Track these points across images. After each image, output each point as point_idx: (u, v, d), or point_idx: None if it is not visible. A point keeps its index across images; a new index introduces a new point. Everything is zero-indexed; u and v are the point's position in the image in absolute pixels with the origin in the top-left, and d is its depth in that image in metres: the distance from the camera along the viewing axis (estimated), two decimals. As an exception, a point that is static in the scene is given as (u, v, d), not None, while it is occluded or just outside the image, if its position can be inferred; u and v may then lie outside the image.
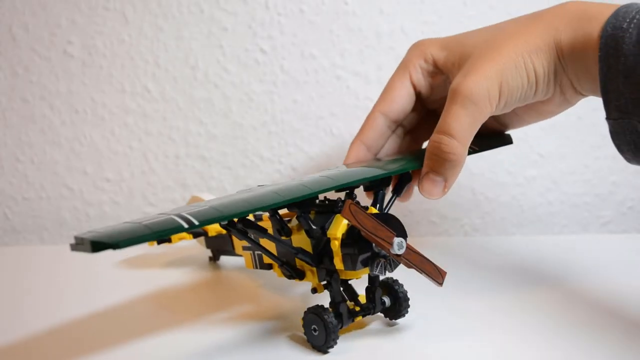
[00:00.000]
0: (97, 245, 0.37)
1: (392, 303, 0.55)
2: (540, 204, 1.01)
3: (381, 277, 0.55)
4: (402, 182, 0.60)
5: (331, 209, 0.53)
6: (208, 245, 0.79)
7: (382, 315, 0.57)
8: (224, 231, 0.71)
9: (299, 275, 0.54)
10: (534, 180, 1.01)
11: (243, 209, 0.44)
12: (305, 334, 0.51)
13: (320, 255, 0.52)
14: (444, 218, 1.01)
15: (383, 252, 0.48)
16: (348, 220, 0.46)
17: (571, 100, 0.59)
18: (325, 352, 0.50)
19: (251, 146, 1.02)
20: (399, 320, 0.56)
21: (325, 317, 0.49)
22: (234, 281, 0.75)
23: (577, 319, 0.57)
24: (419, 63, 0.63)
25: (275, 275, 0.57)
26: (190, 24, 1.01)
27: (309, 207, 0.52)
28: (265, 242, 0.56)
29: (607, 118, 0.52)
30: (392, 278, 0.56)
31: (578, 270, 0.74)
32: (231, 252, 0.72)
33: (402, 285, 0.56)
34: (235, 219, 0.50)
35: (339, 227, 0.50)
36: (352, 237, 0.49)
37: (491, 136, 0.65)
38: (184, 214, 0.42)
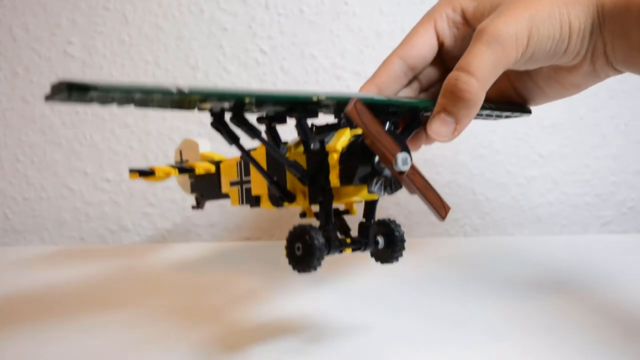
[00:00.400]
0: (74, 87, 0.32)
1: (386, 244, 0.50)
2: (540, 204, 1.01)
3: (380, 199, 0.50)
4: (410, 126, 0.54)
5: (333, 127, 0.49)
6: (193, 190, 0.76)
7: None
8: (212, 168, 0.69)
9: (289, 197, 0.50)
10: (534, 180, 1.01)
11: (239, 92, 0.41)
12: (287, 255, 0.46)
13: (315, 173, 0.47)
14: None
15: (385, 171, 0.44)
16: (352, 117, 0.41)
17: (600, 72, 0.54)
18: (305, 271, 0.45)
19: (251, 146, 1.02)
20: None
21: (313, 233, 0.44)
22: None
23: (577, 319, 0.57)
24: (445, 12, 0.58)
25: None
26: (190, 24, 1.01)
27: (308, 112, 0.47)
28: (257, 155, 0.54)
29: None
30: (389, 218, 0.52)
31: (578, 271, 0.74)
32: (217, 193, 0.69)
33: (399, 226, 0.51)
34: (228, 112, 0.45)
35: (339, 139, 0.46)
36: (353, 152, 0.45)
37: (508, 103, 0.60)
38: (181, 85, 0.39)
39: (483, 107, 0.53)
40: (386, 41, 1.00)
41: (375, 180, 0.44)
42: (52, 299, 0.69)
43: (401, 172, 0.42)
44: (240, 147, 0.49)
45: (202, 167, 0.71)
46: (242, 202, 0.59)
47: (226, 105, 0.43)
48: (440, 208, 0.44)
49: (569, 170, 1.00)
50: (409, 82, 0.60)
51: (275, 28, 1.00)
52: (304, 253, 0.45)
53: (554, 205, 1.01)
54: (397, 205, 0.99)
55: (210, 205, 1.02)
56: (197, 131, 1.02)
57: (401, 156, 0.41)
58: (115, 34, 1.01)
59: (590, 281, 0.69)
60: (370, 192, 0.46)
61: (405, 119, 0.54)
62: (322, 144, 0.47)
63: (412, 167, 0.42)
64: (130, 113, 1.02)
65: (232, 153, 0.59)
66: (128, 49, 1.01)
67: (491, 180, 1.00)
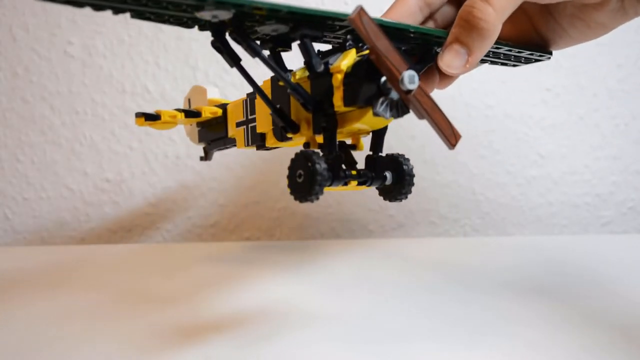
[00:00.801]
0: None
1: (394, 180, 0.48)
2: (540, 205, 1.01)
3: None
4: (423, 60, 0.51)
5: (338, 49, 0.46)
6: (200, 139, 0.75)
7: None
8: (219, 112, 0.68)
9: (293, 127, 0.47)
10: (534, 181, 1.01)
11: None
12: (288, 184, 0.43)
13: (320, 98, 0.45)
14: (444, 218, 1.01)
15: (392, 93, 0.41)
16: (355, 28, 0.38)
17: (629, 9, 0.49)
18: (306, 200, 0.43)
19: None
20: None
21: (315, 159, 0.42)
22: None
23: (578, 319, 0.57)
24: None
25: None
26: (190, 24, 1.01)
27: (312, 30, 0.44)
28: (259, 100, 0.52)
29: None
30: (398, 152, 0.48)
31: (578, 271, 0.74)
32: (224, 139, 0.67)
33: (408, 160, 0.48)
34: (229, 28, 0.43)
35: (343, 60, 0.43)
36: (358, 70, 0.42)
37: (529, 45, 0.56)
38: None
39: (499, 43, 0.49)
40: (386, 41, 1.00)
41: (381, 101, 0.41)
42: (52, 299, 0.69)
43: (408, 91, 0.39)
44: (242, 69, 0.46)
45: (208, 110, 0.68)
46: (248, 143, 0.57)
47: (226, 16, 0.40)
48: (450, 135, 0.40)
49: (569, 170, 1.00)
50: (424, 21, 0.57)
51: (275, 28, 1.00)
52: (305, 179, 0.42)
53: (554, 205, 1.01)
54: (397, 205, 0.99)
55: (210, 205, 1.02)
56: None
57: (408, 73, 0.38)
58: (115, 34, 1.01)
59: (590, 281, 0.69)
60: (375, 113, 0.42)
61: (417, 54, 0.51)
62: (327, 65, 0.45)
63: (420, 87, 0.39)
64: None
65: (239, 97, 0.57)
66: (128, 49, 1.01)
67: (491, 180, 1.00)
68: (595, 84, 0.99)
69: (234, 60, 0.45)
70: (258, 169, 1.02)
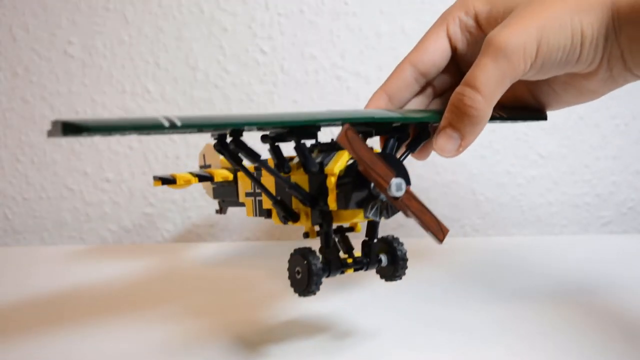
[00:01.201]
0: (67, 127, 0.34)
1: (389, 262, 0.51)
2: (540, 205, 1.01)
3: (380, 222, 0.50)
4: (419, 137, 0.54)
5: (334, 147, 0.49)
6: (215, 195, 0.78)
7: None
8: (230, 176, 0.70)
9: (293, 217, 0.50)
10: (534, 181, 1.01)
11: (233, 120, 0.41)
12: (289, 277, 0.47)
13: (316, 195, 0.47)
14: (444, 218, 1.01)
15: (381, 195, 0.44)
16: (343, 145, 0.41)
17: (618, 78, 0.52)
18: (305, 296, 0.46)
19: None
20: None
21: (310, 258, 0.45)
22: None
23: (578, 319, 0.57)
24: (459, 15, 0.56)
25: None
26: (190, 25, 1.01)
27: (304, 135, 0.47)
28: (265, 180, 0.54)
29: None
30: (392, 235, 0.51)
31: (578, 271, 0.74)
32: (236, 201, 0.70)
33: (402, 244, 0.50)
34: (230, 137, 0.46)
35: (337, 163, 0.46)
36: (350, 175, 0.45)
37: (523, 109, 0.59)
38: (171, 115, 0.39)
39: (494, 117, 0.52)
40: (386, 41, 1.00)
41: (371, 206, 0.44)
42: (52, 300, 0.69)
43: (396, 198, 0.42)
44: (244, 169, 0.49)
45: (220, 175, 0.72)
46: (256, 214, 0.60)
47: (223, 131, 0.44)
48: (437, 231, 0.43)
49: (569, 170, 1.00)
50: (423, 88, 0.59)
51: (275, 28, 1.00)
52: (302, 277, 0.46)
53: (554, 205, 1.01)
54: (397, 206, 0.99)
55: (210, 205, 1.02)
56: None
57: (395, 182, 0.41)
58: (116, 34, 1.01)
59: (590, 281, 0.69)
60: (366, 217, 0.46)
61: (415, 129, 0.54)
62: (322, 165, 0.47)
63: (407, 192, 0.42)
64: (131, 113, 1.02)
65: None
66: (128, 49, 1.01)
67: (491, 180, 1.00)
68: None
69: (236, 161, 0.48)
70: (258, 169, 1.02)
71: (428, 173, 1.00)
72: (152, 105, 1.02)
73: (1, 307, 0.67)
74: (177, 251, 0.93)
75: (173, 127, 0.38)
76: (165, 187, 0.96)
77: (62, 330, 0.58)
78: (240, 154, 0.47)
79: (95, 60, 1.02)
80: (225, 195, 0.74)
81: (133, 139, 1.03)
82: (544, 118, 0.59)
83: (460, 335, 0.54)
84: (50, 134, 0.35)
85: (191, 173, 0.75)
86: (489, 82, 0.47)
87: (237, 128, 0.44)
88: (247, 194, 0.62)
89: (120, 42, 1.02)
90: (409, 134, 0.52)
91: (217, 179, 0.72)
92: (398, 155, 0.52)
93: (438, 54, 0.57)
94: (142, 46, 1.01)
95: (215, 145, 0.47)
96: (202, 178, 0.74)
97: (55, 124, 0.35)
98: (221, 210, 0.78)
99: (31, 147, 1.04)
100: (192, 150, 1.02)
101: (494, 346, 0.51)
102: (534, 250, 0.87)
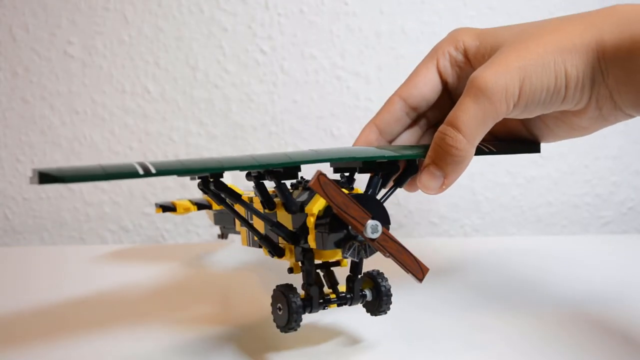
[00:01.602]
0: (44, 177, 0.36)
1: (373, 297, 0.51)
2: (540, 205, 1.01)
3: (363, 260, 0.50)
4: (406, 172, 0.55)
5: None
6: (216, 222, 0.79)
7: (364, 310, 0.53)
8: None
9: (278, 252, 0.51)
10: (534, 181, 1.01)
11: (209, 165, 0.42)
12: (272, 312, 0.48)
13: (299, 233, 0.48)
14: (444, 219, 1.01)
15: (359, 236, 0.44)
16: (316, 191, 0.42)
17: (608, 117, 0.51)
18: (285, 332, 0.47)
19: (251, 146, 1.02)
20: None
21: (290, 296, 0.46)
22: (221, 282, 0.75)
23: (578, 319, 0.57)
24: (448, 50, 0.56)
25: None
26: (190, 25, 1.01)
27: (285, 177, 0.48)
28: (256, 205, 0.54)
29: None
30: (377, 270, 0.52)
31: (578, 271, 0.74)
32: (233, 229, 0.71)
33: (386, 279, 0.51)
34: (210, 179, 0.47)
35: (316, 203, 0.46)
36: (328, 215, 0.45)
37: (516, 141, 0.59)
38: (146, 162, 0.40)
39: (484, 152, 0.53)
40: (386, 41, 1.00)
41: (348, 246, 0.45)
42: (52, 300, 0.69)
43: (372, 240, 0.43)
44: (230, 208, 0.50)
45: (217, 205, 0.72)
46: (249, 244, 0.61)
47: (205, 174, 0.45)
48: (416, 271, 0.44)
49: (568, 171, 1.00)
50: (416, 120, 0.59)
51: (275, 28, 1.00)
52: (283, 314, 0.47)
53: (553, 205, 1.01)
54: (397, 205, 0.99)
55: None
56: (197, 131, 1.02)
57: (370, 224, 0.42)
58: (115, 34, 1.02)
59: (590, 282, 0.69)
60: (344, 257, 0.47)
61: (404, 163, 0.54)
62: (302, 205, 0.48)
63: (384, 233, 0.43)
64: (131, 113, 1.02)
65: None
66: (128, 49, 1.01)
67: (491, 180, 1.00)
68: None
69: (220, 200, 0.49)
70: (258, 169, 1.02)
71: (428, 173, 1.00)
72: (152, 105, 1.02)
73: (1, 307, 0.67)
74: (177, 251, 0.93)
75: (147, 175, 0.38)
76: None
77: (62, 331, 0.58)
78: (223, 195, 0.48)
79: (95, 60, 1.02)
80: (225, 223, 0.76)
81: (133, 138, 1.03)
82: (537, 151, 0.59)
83: (459, 334, 0.54)
84: (31, 181, 0.37)
85: (190, 201, 0.78)
86: (470, 122, 0.47)
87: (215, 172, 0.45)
88: (242, 224, 0.63)
89: (120, 42, 1.02)
90: (399, 167, 0.53)
91: (215, 207, 0.74)
92: (387, 189, 0.53)
93: (428, 88, 0.57)
94: (142, 46, 1.01)
95: (198, 185, 0.48)
96: (201, 206, 0.76)
97: (34, 173, 0.36)
98: (223, 236, 0.81)
99: (31, 147, 1.04)
100: (191, 150, 1.02)
101: (493, 345, 0.51)
102: (534, 251, 0.87)
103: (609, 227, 1.01)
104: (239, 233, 0.68)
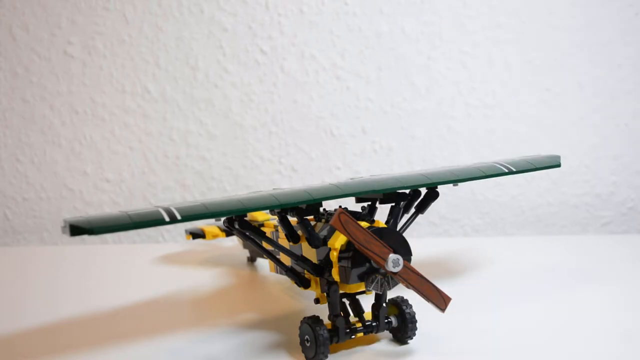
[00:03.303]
0: (75, 229, 0.38)
1: (399, 323, 0.51)
2: (540, 205, 1.01)
3: (388, 293, 0.51)
4: (427, 199, 0.56)
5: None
6: (245, 246, 0.80)
7: (389, 334, 0.53)
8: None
9: (304, 283, 0.52)
10: (534, 181, 1.01)
11: (232, 207, 0.43)
12: (300, 343, 0.50)
13: (323, 265, 0.49)
14: (444, 219, 1.01)
15: (381, 269, 0.46)
16: (338, 230, 0.44)
17: None
18: None
19: (251, 147, 1.02)
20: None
21: (317, 328, 0.47)
22: (260, 285, 0.75)
23: (578, 319, 0.57)
24: None
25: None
26: (190, 25, 1.01)
27: (308, 213, 0.50)
28: (282, 236, 0.55)
29: None
30: (401, 297, 0.52)
31: (578, 272, 0.74)
32: (260, 254, 0.72)
33: (410, 306, 0.51)
34: (235, 220, 0.48)
35: (338, 237, 0.47)
36: (350, 249, 0.46)
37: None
38: (171, 207, 0.42)
39: (504, 173, 0.55)
40: (386, 41, 1.00)
41: (371, 279, 0.46)
42: (52, 299, 0.69)
43: (394, 273, 0.44)
44: (255, 244, 0.52)
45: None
46: (277, 272, 0.61)
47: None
48: (439, 301, 0.46)
49: (568, 171, 1.00)
50: None
51: (275, 28, 1.00)
52: (311, 346, 0.48)
53: (553, 205, 1.01)
54: (397, 206, 0.99)
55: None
56: (197, 131, 1.02)
57: (391, 259, 0.44)
58: (116, 34, 1.01)
59: (590, 282, 0.69)
60: (367, 289, 0.48)
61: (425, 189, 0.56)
62: (325, 239, 0.49)
63: (406, 266, 0.45)
64: (131, 113, 1.02)
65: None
66: (128, 50, 1.01)
67: (491, 180, 1.00)
68: (595, 84, 0.99)
69: (245, 237, 0.50)
70: (258, 169, 1.03)
71: (428, 173, 1.00)
72: (152, 105, 1.02)
73: (0, 307, 0.67)
74: (178, 251, 0.93)
75: (173, 221, 0.41)
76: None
77: (62, 331, 0.58)
78: (247, 233, 0.50)
79: (95, 60, 1.02)
80: (253, 247, 0.76)
81: (133, 138, 1.03)
82: (558, 165, 0.63)
83: (459, 335, 0.54)
84: (63, 231, 0.39)
85: (219, 227, 0.80)
86: None
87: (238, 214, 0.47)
88: (268, 257, 0.64)
89: (121, 42, 1.02)
90: (420, 193, 0.54)
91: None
92: (408, 215, 0.55)
93: None
94: (142, 46, 1.01)
95: (223, 222, 0.50)
96: (229, 233, 0.77)
97: (64, 225, 0.38)
98: (252, 259, 0.82)
99: (31, 147, 1.04)
100: (192, 151, 1.02)
101: (493, 346, 0.51)
102: (533, 251, 0.87)
103: (608, 227, 1.01)
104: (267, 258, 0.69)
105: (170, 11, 1.01)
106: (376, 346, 0.52)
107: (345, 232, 0.44)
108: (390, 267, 0.44)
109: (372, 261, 0.46)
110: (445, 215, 1.01)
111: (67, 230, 0.38)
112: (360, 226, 0.44)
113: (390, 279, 0.46)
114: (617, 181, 1.00)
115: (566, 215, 1.01)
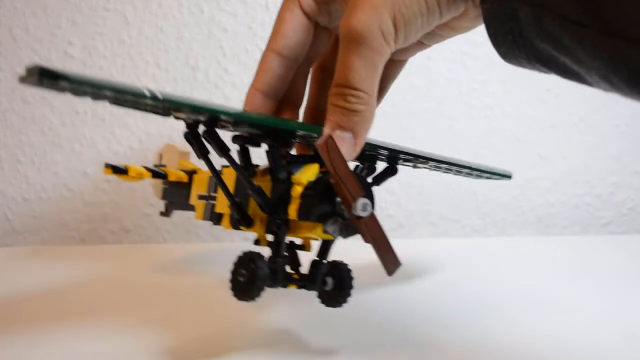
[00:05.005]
0: (45, 72, 0.32)
1: (334, 287, 0.49)
2: (540, 205, 1.01)
3: (335, 240, 0.49)
4: (385, 173, 0.55)
5: (304, 159, 0.49)
6: (163, 196, 0.77)
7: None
8: (185, 178, 0.70)
9: (247, 222, 0.49)
10: (534, 181, 1.01)
11: (214, 107, 0.41)
12: (230, 280, 0.45)
13: (277, 203, 0.47)
14: (444, 219, 1.01)
15: (344, 213, 0.43)
16: (321, 153, 0.41)
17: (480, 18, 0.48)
18: (243, 300, 0.45)
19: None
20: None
21: (259, 263, 0.44)
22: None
23: (578, 319, 0.57)
24: None
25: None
26: (190, 25, 1.01)
27: (280, 141, 0.47)
28: (226, 176, 0.53)
29: (481, 2, 0.43)
30: (342, 261, 0.50)
31: (578, 271, 0.74)
32: (185, 203, 0.69)
33: (350, 271, 0.49)
34: (202, 125, 0.46)
35: (306, 174, 0.46)
36: (317, 189, 0.45)
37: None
38: (155, 90, 0.38)
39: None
40: (386, 42, 1.00)
41: (332, 221, 0.44)
42: (52, 301, 0.70)
43: (359, 217, 0.42)
44: (209, 163, 0.49)
45: (175, 175, 0.71)
46: (205, 218, 0.59)
47: (201, 118, 0.44)
48: (390, 262, 0.42)
49: (568, 171, 1.00)
50: (304, 71, 0.55)
51: (275, 28, 1.00)
52: (246, 281, 0.44)
53: (553, 205, 1.01)
54: (397, 206, 0.99)
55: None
56: (197, 131, 1.02)
57: (362, 201, 0.41)
58: (116, 34, 1.02)
59: (590, 282, 0.69)
60: (324, 231, 0.45)
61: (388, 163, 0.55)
62: (289, 174, 0.47)
63: (372, 215, 0.42)
64: (131, 114, 1.02)
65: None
66: (128, 50, 1.02)
67: (491, 181, 1.00)
68: None
69: (202, 153, 0.48)
70: (258, 169, 1.02)
71: (429, 173, 1.00)
72: (152, 105, 1.02)
73: (0, 308, 0.67)
74: (178, 252, 0.93)
75: (154, 99, 0.37)
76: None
77: (61, 332, 0.58)
78: (211, 146, 0.47)
79: (95, 60, 1.02)
80: (175, 197, 0.73)
81: (133, 138, 1.03)
82: (509, 177, 0.64)
83: (458, 334, 0.54)
84: (24, 79, 0.34)
85: (145, 167, 0.73)
86: (362, 75, 0.45)
87: (214, 118, 0.43)
88: (200, 197, 0.62)
89: (121, 43, 1.02)
90: (375, 168, 0.54)
91: (171, 178, 0.71)
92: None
93: (299, 34, 0.53)
94: (142, 46, 1.01)
95: (185, 135, 0.47)
96: (155, 174, 0.72)
97: (32, 69, 0.33)
98: (167, 213, 0.78)
99: (31, 147, 1.04)
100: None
101: (493, 346, 0.51)
102: (534, 251, 0.87)
103: (609, 227, 1.01)
104: (190, 209, 0.67)
105: (170, 11, 1.01)
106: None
107: (328, 157, 0.41)
108: (359, 210, 0.41)
109: (336, 204, 0.44)
110: (445, 215, 1.01)
111: (36, 74, 0.32)
112: (344, 159, 0.42)
113: (349, 227, 0.44)
114: (617, 181, 1.00)
115: (567, 216, 1.01)
